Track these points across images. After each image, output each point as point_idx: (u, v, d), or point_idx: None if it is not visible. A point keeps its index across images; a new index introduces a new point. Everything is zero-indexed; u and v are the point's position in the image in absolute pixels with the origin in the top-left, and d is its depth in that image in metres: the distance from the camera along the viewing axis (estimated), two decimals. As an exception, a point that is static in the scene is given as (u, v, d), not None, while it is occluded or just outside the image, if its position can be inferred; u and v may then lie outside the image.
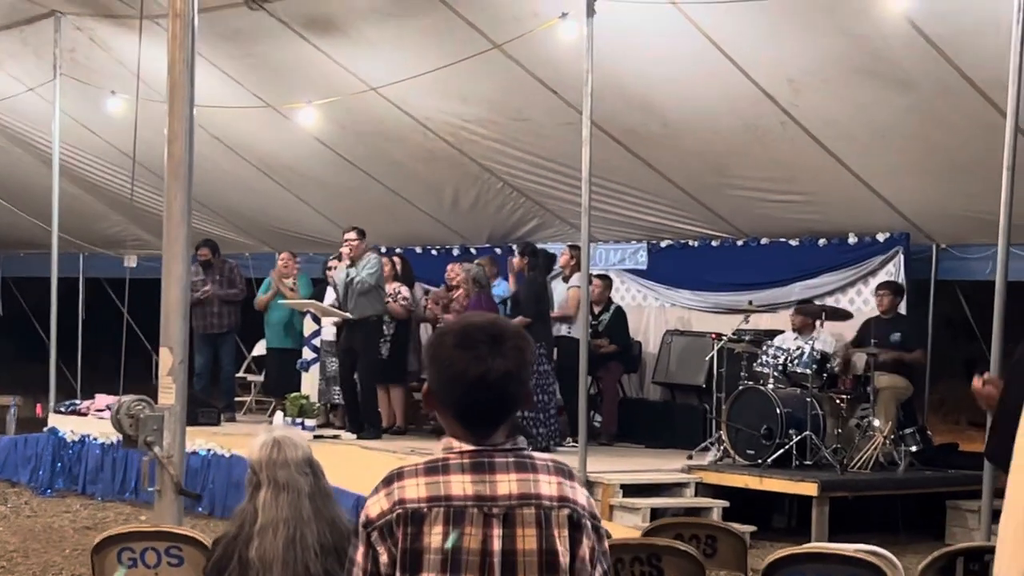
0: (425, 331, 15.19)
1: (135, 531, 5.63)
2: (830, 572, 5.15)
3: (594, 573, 3.13)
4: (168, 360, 6.33)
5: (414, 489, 3.07)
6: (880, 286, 13.04)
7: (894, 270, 13.27)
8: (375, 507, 3.08)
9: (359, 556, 3.08)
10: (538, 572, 3.07)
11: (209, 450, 12.89)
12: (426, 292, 15.63)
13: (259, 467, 4.52)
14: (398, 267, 15.21)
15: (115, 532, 5.56)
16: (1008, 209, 9.24)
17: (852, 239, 13.56)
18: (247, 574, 4.39)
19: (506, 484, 3.08)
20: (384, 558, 3.05)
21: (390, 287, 14.66)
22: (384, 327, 14.44)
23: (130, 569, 5.35)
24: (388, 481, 3.11)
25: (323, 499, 4.58)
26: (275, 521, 4.43)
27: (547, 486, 3.11)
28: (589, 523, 3.14)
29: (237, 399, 16.92)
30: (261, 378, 17.44)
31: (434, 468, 3.10)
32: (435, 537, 3.04)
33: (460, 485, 3.07)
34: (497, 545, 3.06)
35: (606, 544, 3.20)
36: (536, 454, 3.18)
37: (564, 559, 3.09)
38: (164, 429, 6.27)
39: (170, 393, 6.32)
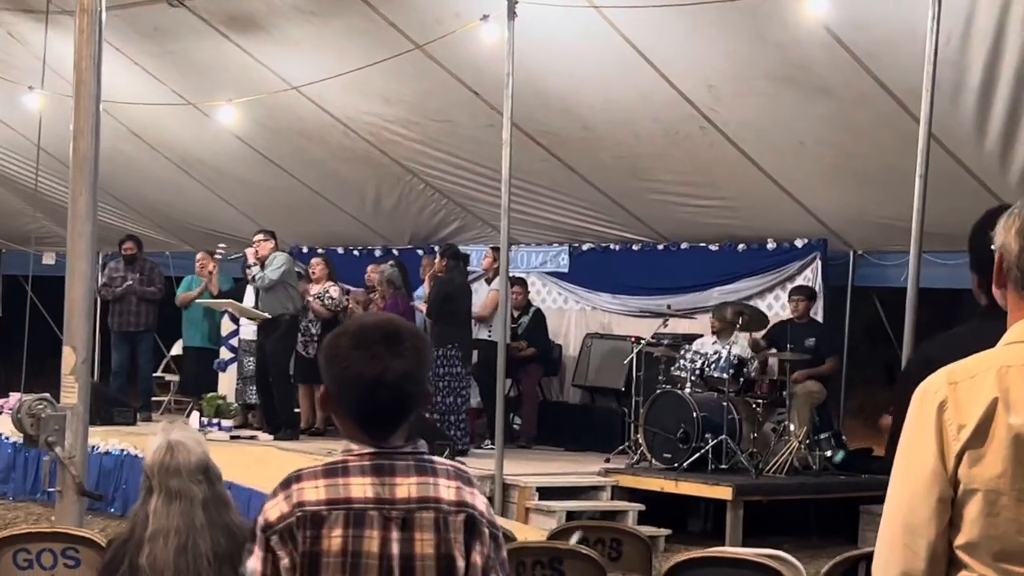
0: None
1: (31, 532, 5.55)
2: (731, 576, 5.16)
3: None
4: (71, 359, 6.26)
5: (313, 492, 3.04)
6: (794, 291, 13.15)
7: (812, 276, 13.37)
8: (274, 510, 3.05)
9: (258, 563, 3.04)
10: None
11: (123, 450, 12.75)
12: (346, 292, 15.56)
13: (151, 472, 4.41)
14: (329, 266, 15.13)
15: (10, 533, 5.47)
16: (920, 216, 9.31)
17: (771, 245, 13.65)
18: None
19: (405, 487, 3.07)
20: (285, 562, 3.02)
21: (319, 286, 14.59)
22: (311, 326, 14.37)
23: (26, 571, 5.27)
24: (287, 484, 3.08)
25: (218, 506, 4.45)
26: (166, 529, 4.33)
27: (446, 490, 3.10)
28: (487, 530, 3.13)
29: (155, 398, 16.78)
30: (179, 378, 17.29)
31: (334, 471, 3.07)
32: (334, 540, 3.01)
33: (360, 488, 3.04)
34: (396, 549, 3.04)
35: (504, 553, 3.18)
36: (436, 458, 3.17)
37: (461, 563, 3.08)
38: (66, 429, 6.18)
39: (72, 392, 6.24)
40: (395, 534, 3.04)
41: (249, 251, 14.06)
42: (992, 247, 2.91)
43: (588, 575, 5.22)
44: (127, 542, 4.40)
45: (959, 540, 2.73)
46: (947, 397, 2.76)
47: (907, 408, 2.89)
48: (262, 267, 13.91)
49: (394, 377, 3.03)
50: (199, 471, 4.43)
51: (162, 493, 4.37)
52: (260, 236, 14.15)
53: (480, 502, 3.15)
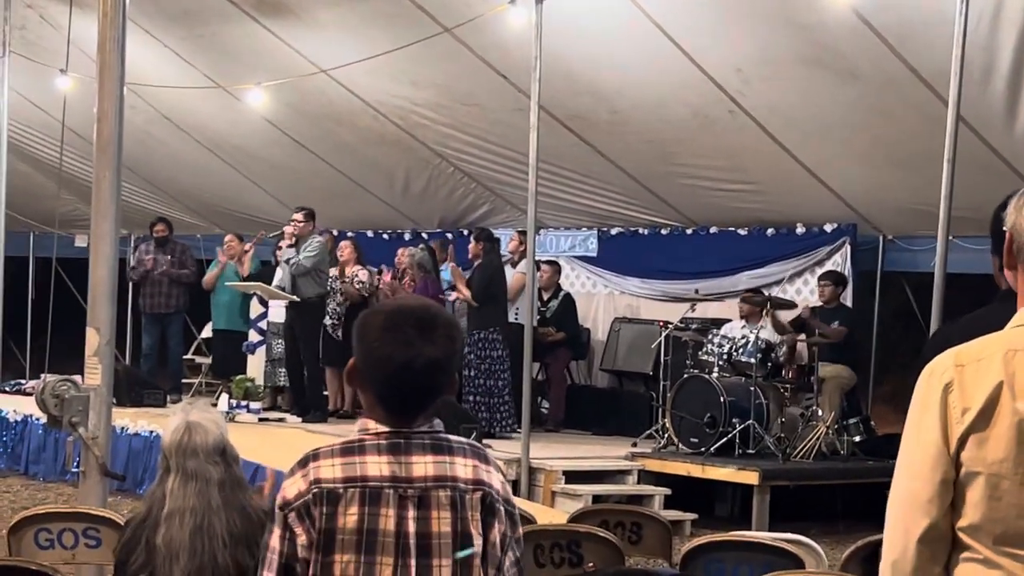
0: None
1: (52, 512, 5.58)
2: (749, 560, 5.15)
3: (504, 559, 3.12)
4: (94, 340, 6.29)
5: (330, 469, 3.05)
6: (822, 276, 13.10)
7: (841, 261, 13.32)
8: (292, 488, 3.06)
9: (274, 540, 3.05)
10: (452, 554, 3.06)
11: (152, 431, 12.80)
12: (379, 273, 15.57)
13: (169, 453, 4.44)
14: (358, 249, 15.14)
15: (32, 513, 5.51)
16: (948, 201, 9.27)
17: (800, 229, 13.60)
18: (153, 559, 4.35)
19: (422, 466, 3.07)
20: (303, 539, 3.03)
21: (349, 270, 14.61)
22: (339, 309, 14.38)
23: (47, 550, 5.30)
24: (304, 462, 3.09)
25: (234, 487, 4.49)
26: (182, 509, 4.37)
27: (463, 469, 3.10)
28: (503, 508, 3.13)
29: (185, 381, 16.86)
30: (210, 360, 17.36)
31: (350, 449, 3.08)
32: (350, 518, 3.02)
33: (376, 466, 3.05)
34: (412, 527, 3.04)
35: (520, 531, 3.19)
36: (452, 437, 3.17)
37: (478, 541, 3.08)
38: (89, 410, 6.22)
39: (96, 374, 6.27)
40: (411, 512, 3.05)
41: (287, 228, 14.02)
42: (1004, 228, 2.91)
43: (607, 558, 5.23)
44: (144, 522, 4.43)
45: (961, 522, 2.74)
46: (953, 379, 2.76)
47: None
48: (297, 248, 13.89)
49: (423, 364, 3.03)
50: (216, 452, 4.46)
51: (179, 473, 4.41)
52: (299, 215, 14.04)
53: (496, 480, 3.15)
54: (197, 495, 4.39)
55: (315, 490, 3.03)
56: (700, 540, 5.31)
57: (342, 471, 3.05)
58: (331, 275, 14.39)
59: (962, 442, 2.73)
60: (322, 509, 3.03)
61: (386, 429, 3.10)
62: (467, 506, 3.08)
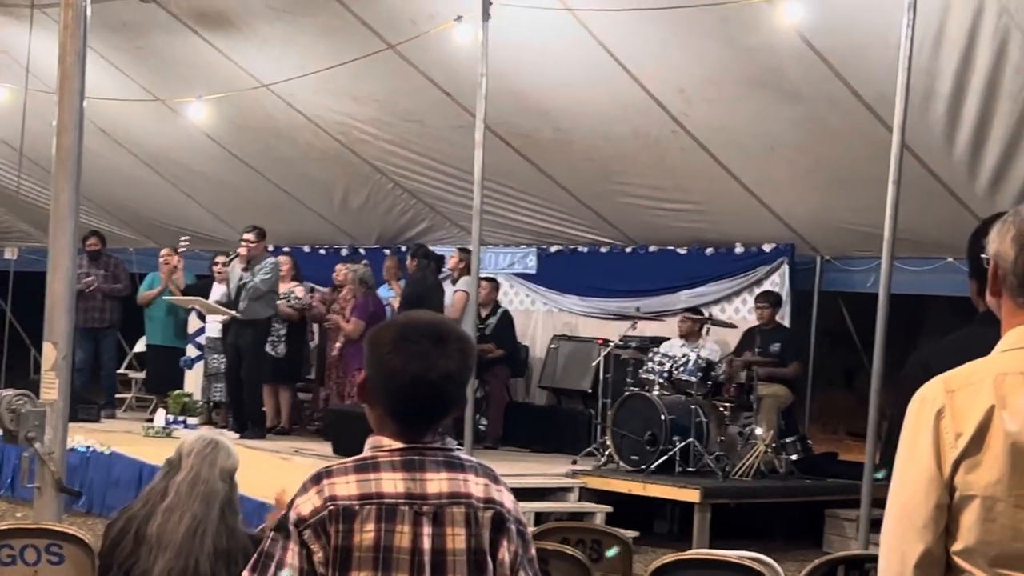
0: (313, 331, 15.14)
1: (14, 528, 5.51)
2: (715, 578, 5.19)
3: None
4: (51, 355, 6.22)
5: (344, 487, 3.04)
6: (759, 297, 13.21)
7: (779, 280, 13.43)
8: (307, 505, 3.04)
9: (294, 557, 3.01)
10: (467, 571, 3.07)
11: (88, 447, 12.68)
12: (312, 291, 15.52)
13: (188, 453, 4.64)
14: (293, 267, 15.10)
15: (-6, 529, 5.45)
16: (893, 223, 9.38)
17: (739, 249, 13.70)
18: (139, 549, 4.44)
19: (436, 483, 3.07)
20: (319, 556, 3.01)
21: (285, 286, 14.53)
22: (278, 326, 14.30)
23: (9, 567, 5.24)
24: (317, 479, 3.07)
25: (231, 509, 4.67)
26: (183, 508, 4.54)
27: (476, 487, 3.11)
28: (514, 527, 3.14)
29: (118, 395, 16.69)
30: (142, 375, 17.20)
31: (364, 466, 3.07)
32: (367, 535, 3.01)
33: (391, 483, 3.04)
34: (427, 544, 3.04)
35: (533, 551, 3.19)
36: (464, 455, 3.18)
37: (491, 559, 3.09)
38: (46, 425, 6.15)
39: (52, 388, 6.21)
40: (427, 529, 3.04)
41: (240, 250, 13.89)
42: (984, 255, 2.95)
43: (572, 575, 5.24)
44: (137, 512, 4.54)
45: (956, 546, 2.76)
46: (945, 405, 2.79)
47: (904, 413, 2.92)
48: (251, 269, 13.77)
49: (437, 376, 3.03)
50: (229, 474, 4.68)
51: (191, 473, 4.59)
52: (251, 235, 13.89)
53: (508, 499, 3.16)
54: (202, 501, 4.55)
55: (331, 507, 3.02)
56: (666, 559, 5.34)
57: (357, 488, 3.04)
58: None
59: (956, 467, 2.77)
60: (338, 526, 3.01)
61: (400, 445, 3.09)
62: (480, 524, 3.09)
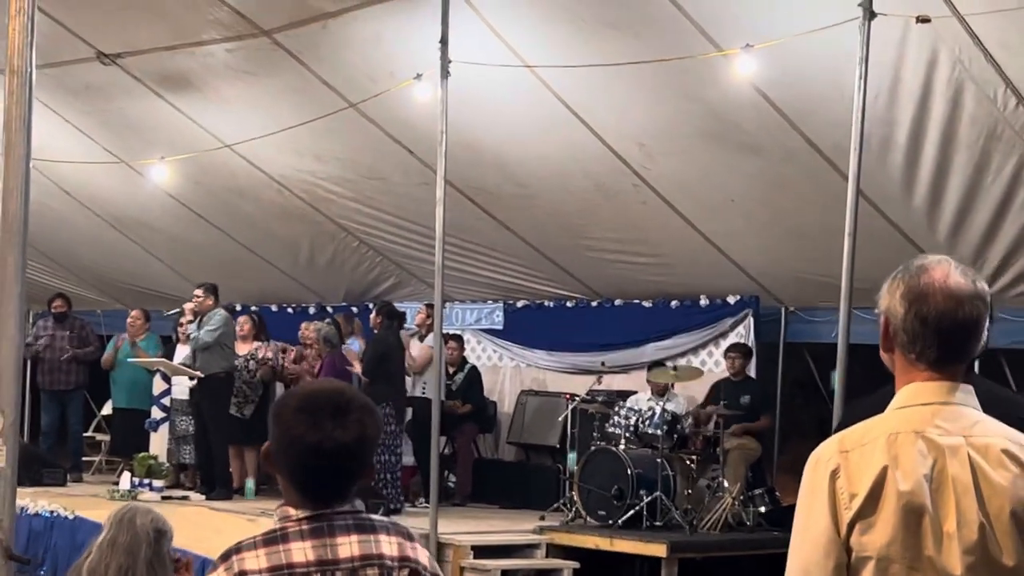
0: (280, 390, 15.06)
1: (-43, 599, 5.46)
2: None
3: None
4: (-1, 422, 6.17)
5: (254, 561, 3.03)
6: (730, 348, 13.23)
7: (744, 332, 13.46)
8: None
9: None
10: None
11: (53, 512, 12.57)
12: (283, 350, 15.49)
13: (107, 521, 4.86)
14: (257, 324, 15.05)
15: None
16: (850, 274, 9.38)
17: (703, 301, 13.73)
18: None
19: (347, 547, 3.06)
20: None
21: (249, 346, 14.46)
22: (245, 388, 14.23)
23: (-49, 638, 5.18)
24: (226, 556, 3.06)
25: (159, 562, 4.77)
26: (107, 560, 4.71)
27: (388, 546, 3.11)
28: None
29: (86, 459, 16.59)
30: (109, 438, 17.10)
31: (273, 539, 3.06)
32: None
33: (301, 552, 3.03)
34: None
35: None
36: (375, 516, 3.18)
37: None
38: (-7, 492, 6.09)
39: (0, 455, 6.15)
40: None
41: (187, 306, 13.94)
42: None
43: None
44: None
45: None
46: (839, 465, 2.81)
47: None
48: (199, 324, 13.80)
49: (333, 447, 3.03)
50: (152, 531, 4.82)
51: (109, 533, 4.77)
52: (200, 291, 13.99)
53: (423, 556, 3.17)
54: (125, 552, 4.70)
55: None
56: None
57: (267, 561, 3.03)
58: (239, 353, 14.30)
59: (851, 527, 2.78)
60: None
61: (306, 514, 3.09)
62: None
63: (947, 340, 2.85)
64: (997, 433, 2.86)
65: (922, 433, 2.80)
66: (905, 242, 11.41)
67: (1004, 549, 2.76)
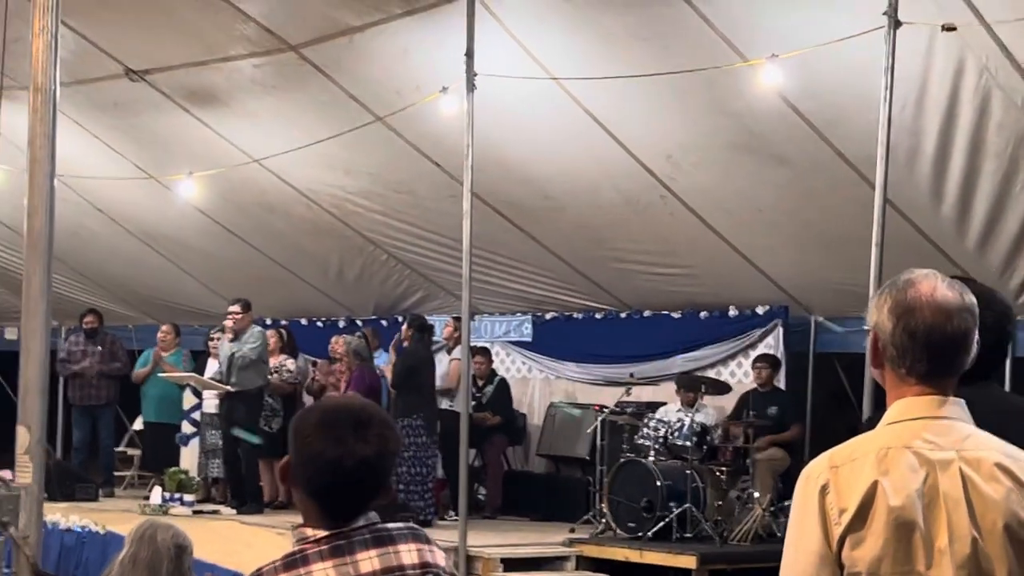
0: (306, 403, 15.08)
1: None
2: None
3: None
4: (25, 438, 6.19)
5: None
6: (758, 359, 13.18)
7: (773, 343, 13.41)
8: None
9: None
10: None
11: (85, 527, 12.63)
12: (314, 364, 15.53)
13: (128, 537, 4.98)
14: (284, 339, 15.13)
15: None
16: (877, 284, 9.32)
17: (732, 312, 13.68)
18: None
19: (368, 562, 3.05)
20: None
21: (275, 360, 14.53)
22: (272, 401, 14.31)
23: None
24: None
25: None
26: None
27: (407, 555, 3.10)
28: None
29: (117, 474, 16.65)
30: (140, 452, 17.16)
31: (293, 562, 3.05)
32: None
33: (323, 573, 3.02)
34: None
35: None
36: (390, 525, 3.16)
37: None
38: (20, 509, 6.12)
39: (27, 472, 6.17)
40: None
41: (227, 323, 13.97)
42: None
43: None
44: None
45: None
46: (829, 481, 2.81)
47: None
48: (237, 341, 13.82)
49: (352, 463, 3.01)
50: (173, 546, 4.94)
51: (131, 550, 4.88)
52: (236, 307, 13.99)
53: (440, 558, 3.17)
54: (147, 569, 4.82)
55: None
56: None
57: None
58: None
59: (842, 542, 2.78)
60: None
61: (324, 533, 3.07)
62: None
63: (936, 354, 2.84)
64: (990, 447, 2.85)
65: (912, 448, 2.79)
66: (935, 251, 11.37)
67: (997, 563, 2.76)
